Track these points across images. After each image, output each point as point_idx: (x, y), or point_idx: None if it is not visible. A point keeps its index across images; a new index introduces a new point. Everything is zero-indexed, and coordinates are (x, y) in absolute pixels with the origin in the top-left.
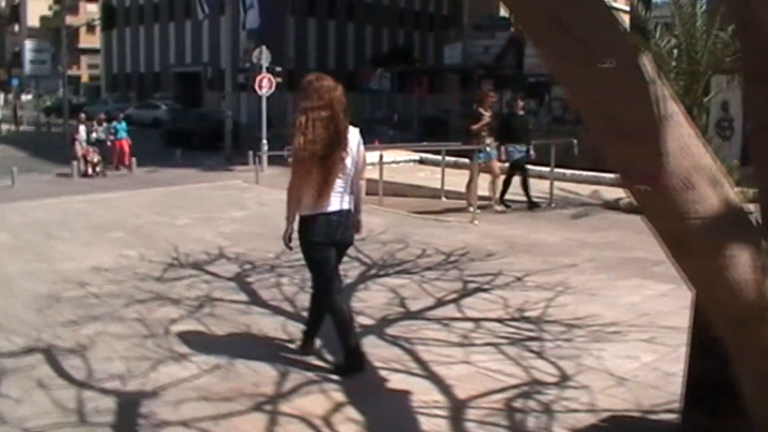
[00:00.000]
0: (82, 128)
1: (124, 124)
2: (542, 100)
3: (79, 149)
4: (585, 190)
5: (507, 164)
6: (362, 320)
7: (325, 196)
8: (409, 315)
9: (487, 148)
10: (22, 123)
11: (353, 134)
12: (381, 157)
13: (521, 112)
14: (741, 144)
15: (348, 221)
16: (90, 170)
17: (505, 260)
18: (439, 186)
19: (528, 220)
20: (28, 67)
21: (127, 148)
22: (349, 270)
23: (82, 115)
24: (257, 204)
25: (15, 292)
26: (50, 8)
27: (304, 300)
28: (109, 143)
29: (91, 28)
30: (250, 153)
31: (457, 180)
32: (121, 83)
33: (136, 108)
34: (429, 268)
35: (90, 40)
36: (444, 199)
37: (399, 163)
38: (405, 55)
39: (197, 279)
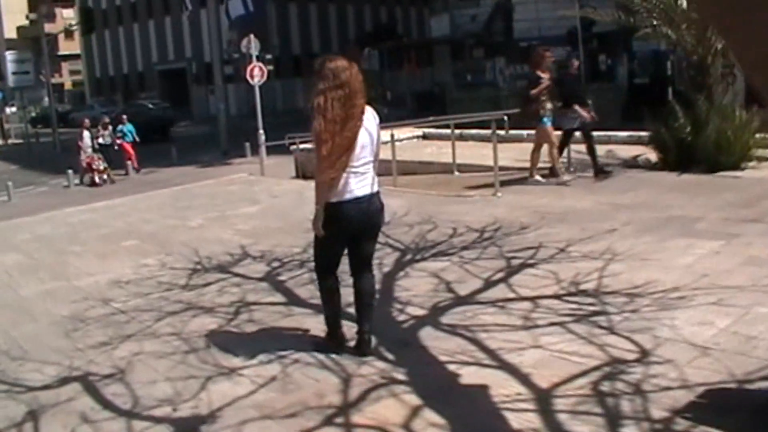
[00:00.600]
0: (86, 135)
1: (131, 126)
2: None
3: (84, 157)
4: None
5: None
6: (413, 311)
7: (349, 178)
8: (460, 300)
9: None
10: (10, 136)
11: (370, 114)
12: (392, 136)
13: (575, 72)
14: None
15: (376, 204)
16: (97, 178)
17: (541, 231)
18: (448, 160)
19: (551, 187)
20: (11, 79)
21: (132, 150)
22: (383, 257)
23: (86, 121)
24: (269, 197)
25: (36, 317)
26: (27, 17)
27: (347, 294)
28: (116, 147)
29: (69, 33)
30: (247, 145)
31: (467, 153)
32: (105, 86)
33: (123, 110)
34: (465, 248)
35: (69, 46)
36: (457, 173)
37: (402, 140)
38: (389, 31)
39: (226, 283)
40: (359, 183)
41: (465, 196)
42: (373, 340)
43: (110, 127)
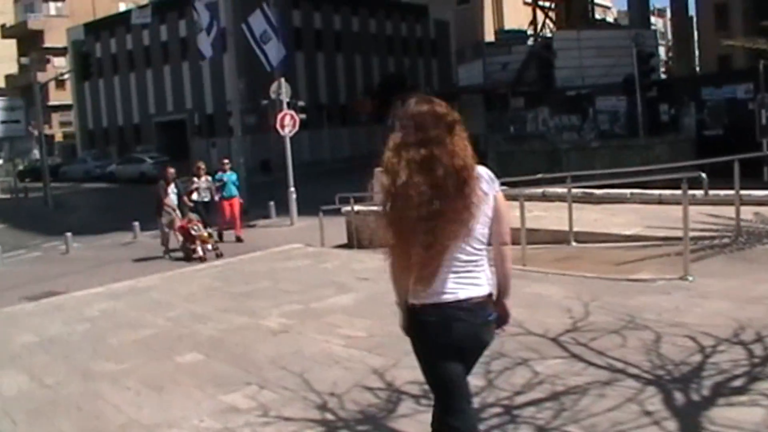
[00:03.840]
0: (172, 190)
1: (235, 176)
2: (585, 114)
3: (175, 219)
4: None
5: None
6: None
7: (428, 277)
8: None
9: None
10: None
11: (482, 179)
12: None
13: None
14: None
15: (480, 315)
16: (200, 250)
17: None
18: (556, 227)
19: (749, 265)
20: (0, 128)
21: (238, 209)
22: (641, 399)
23: (171, 171)
24: (355, 278)
25: None
26: (18, 62)
27: None
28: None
29: (60, 83)
30: (271, 204)
31: (562, 216)
32: (98, 139)
33: (119, 164)
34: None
35: (60, 96)
36: (574, 243)
37: None
38: (399, 82)
39: None
40: (459, 279)
41: (640, 280)
42: None
43: (208, 177)
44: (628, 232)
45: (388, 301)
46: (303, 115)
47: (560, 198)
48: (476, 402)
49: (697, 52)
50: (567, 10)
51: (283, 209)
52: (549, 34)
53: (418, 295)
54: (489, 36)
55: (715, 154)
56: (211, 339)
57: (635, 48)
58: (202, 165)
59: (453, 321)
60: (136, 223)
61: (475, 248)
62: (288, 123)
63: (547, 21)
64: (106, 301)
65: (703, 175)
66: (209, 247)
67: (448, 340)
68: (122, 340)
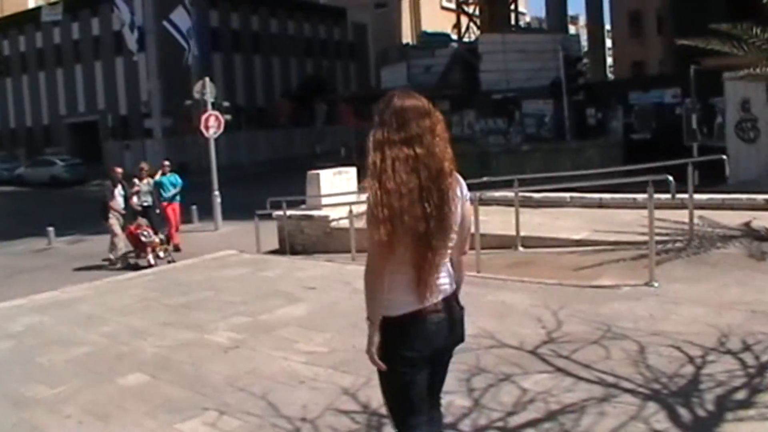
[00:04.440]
0: (119, 192)
1: (176, 178)
2: (512, 118)
3: (116, 225)
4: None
5: None
6: None
7: (423, 285)
8: None
9: None
10: None
11: (459, 184)
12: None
13: None
14: None
15: (453, 311)
16: (152, 258)
17: None
18: (502, 231)
19: (711, 269)
20: None
21: (176, 215)
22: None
23: (119, 170)
24: (301, 287)
25: None
26: None
27: None
28: (158, 210)
29: None
30: (194, 208)
31: (504, 220)
32: (5, 140)
33: (28, 166)
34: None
35: None
36: (521, 248)
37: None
38: (318, 85)
39: None
40: (438, 282)
41: (604, 286)
42: None
43: (150, 179)
44: (577, 237)
45: (343, 312)
46: (228, 116)
47: (498, 202)
48: (467, 424)
49: (610, 59)
50: (490, 15)
51: (205, 214)
52: (473, 38)
53: (405, 305)
54: (407, 39)
55: (643, 158)
56: (156, 357)
57: (562, 52)
58: (145, 166)
59: (436, 323)
60: (51, 229)
61: (448, 252)
62: (213, 124)
63: (471, 25)
64: (30, 315)
65: (670, 178)
66: (161, 254)
67: (432, 344)
68: (54, 359)
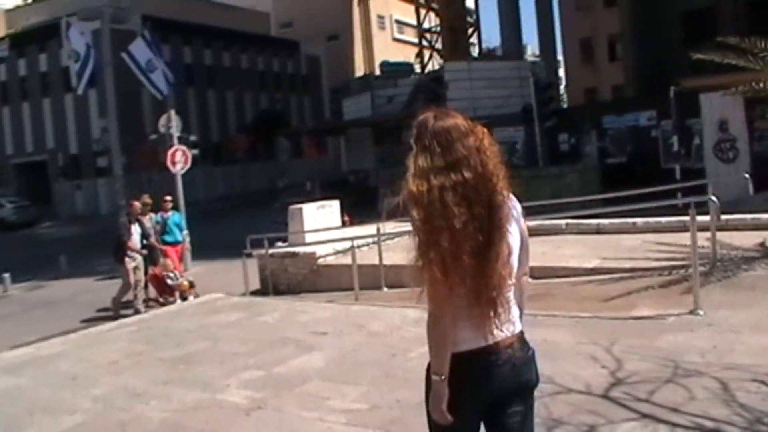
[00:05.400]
0: (136, 230)
1: (179, 218)
2: None
3: (131, 268)
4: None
5: None
6: None
7: (487, 319)
8: None
9: None
10: None
11: (514, 205)
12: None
13: None
14: (750, 166)
15: (524, 350)
16: (179, 300)
17: None
18: None
19: (752, 293)
20: None
21: (177, 256)
22: None
23: (137, 204)
24: (310, 333)
25: None
26: None
27: None
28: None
29: None
30: None
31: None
32: None
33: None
34: None
35: None
36: (530, 279)
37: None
38: (273, 118)
39: None
40: (505, 317)
41: (647, 317)
42: None
43: (152, 215)
44: (589, 265)
45: (368, 360)
46: (195, 151)
47: None
48: None
49: (562, 87)
50: (452, 43)
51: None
52: (437, 67)
53: (462, 343)
54: (360, 72)
55: (620, 182)
56: (166, 425)
57: (532, 77)
58: (148, 200)
59: (500, 364)
60: (7, 275)
61: (512, 282)
62: (179, 159)
63: (435, 54)
64: (4, 377)
65: (714, 198)
66: (190, 298)
67: (494, 388)
68: None
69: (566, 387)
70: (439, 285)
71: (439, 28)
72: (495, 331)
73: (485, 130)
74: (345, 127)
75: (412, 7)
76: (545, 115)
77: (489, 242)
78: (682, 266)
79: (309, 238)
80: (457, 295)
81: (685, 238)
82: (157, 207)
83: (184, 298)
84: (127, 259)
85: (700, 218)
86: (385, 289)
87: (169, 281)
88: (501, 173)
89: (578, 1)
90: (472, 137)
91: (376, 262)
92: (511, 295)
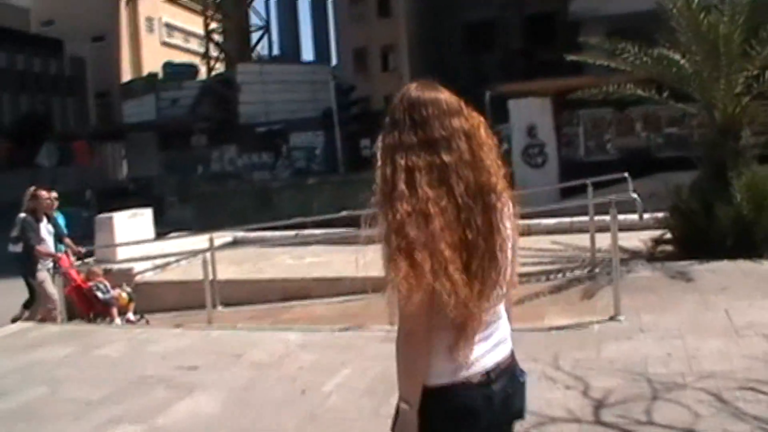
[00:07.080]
0: (45, 228)
1: (62, 219)
2: (279, 151)
3: (49, 280)
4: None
5: None
6: None
7: (468, 345)
8: None
9: None
10: None
11: (511, 207)
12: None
13: None
14: (558, 172)
15: (517, 375)
16: (118, 320)
17: None
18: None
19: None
20: None
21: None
22: None
23: (45, 194)
24: (179, 369)
25: None
26: None
27: None
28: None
29: None
30: None
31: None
32: None
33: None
34: None
35: None
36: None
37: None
38: (36, 122)
39: None
40: (489, 340)
41: (569, 326)
42: None
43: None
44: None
45: (271, 400)
46: None
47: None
48: None
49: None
50: (241, 46)
51: None
52: (222, 69)
53: (448, 373)
54: (127, 75)
55: None
56: None
57: (333, 81)
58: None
59: (487, 396)
60: None
61: (504, 293)
62: None
63: (220, 57)
64: None
65: (638, 198)
66: (131, 315)
67: (477, 425)
68: None
69: (546, 415)
70: (410, 289)
71: (222, 30)
72: (480, 362)
73: (482, 119)
74: (128, 130)
75: (183, 11)
76: (346, 120)
77: (480, 241)
78: (559, 270)
79: (122, 251)
80: (436, 310)
81: (539, 240)
82: None
83: (128, 319)
84: (39, 269)
85: (544, 221)
86: (220, 307)
87: (99, 295)
88: (498, 168)
89: (352, 10)
90: (459, 118)
91: (201, 277)
92: (503, 308)
